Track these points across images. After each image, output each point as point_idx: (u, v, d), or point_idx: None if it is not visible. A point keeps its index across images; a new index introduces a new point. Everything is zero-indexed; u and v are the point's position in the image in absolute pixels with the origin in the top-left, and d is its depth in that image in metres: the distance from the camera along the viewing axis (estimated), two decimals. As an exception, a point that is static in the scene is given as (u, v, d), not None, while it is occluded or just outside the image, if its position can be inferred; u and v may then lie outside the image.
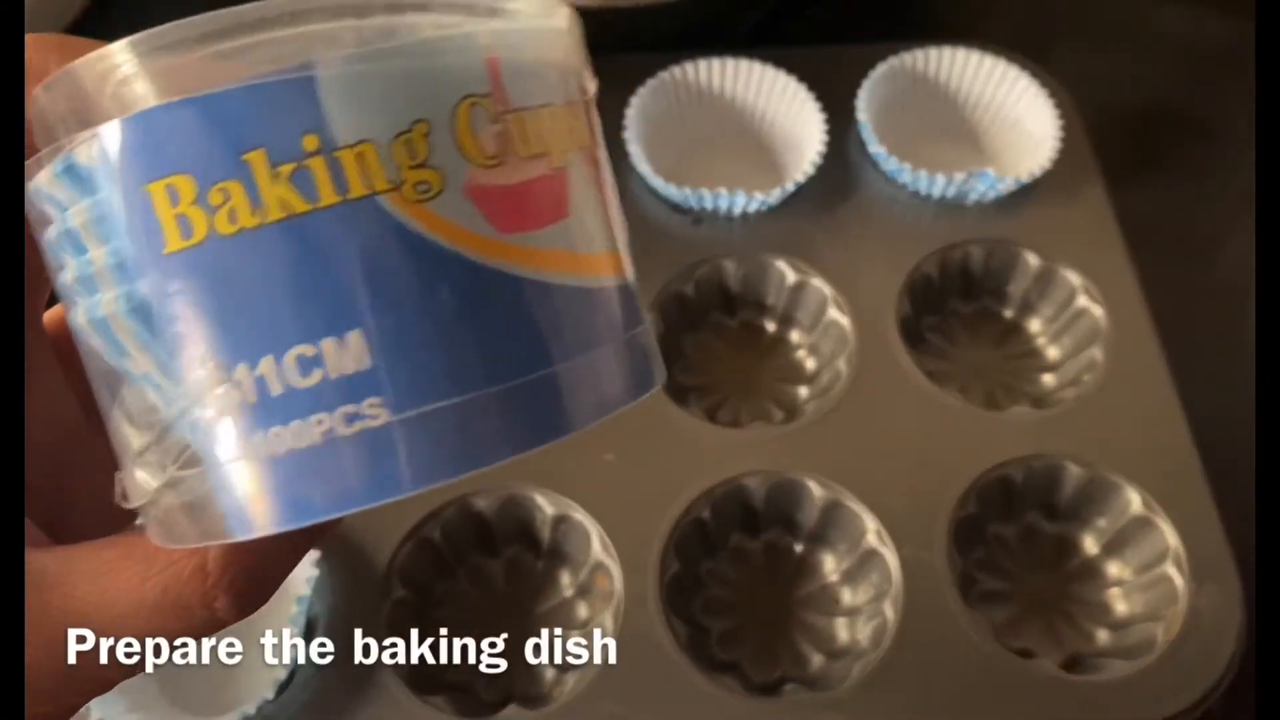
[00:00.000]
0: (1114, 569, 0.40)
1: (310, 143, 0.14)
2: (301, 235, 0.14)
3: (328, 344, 0.14)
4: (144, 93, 0.14)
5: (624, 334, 0.17)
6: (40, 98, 0.15)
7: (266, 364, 0.14)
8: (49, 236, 0.15)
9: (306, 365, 0.14)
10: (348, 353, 0.14)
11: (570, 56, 0.17)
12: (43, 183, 0.15)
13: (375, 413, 0.14)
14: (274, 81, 0.14)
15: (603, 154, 0.17)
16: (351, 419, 0.14)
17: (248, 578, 0.16)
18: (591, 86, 0.18)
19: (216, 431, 0.14)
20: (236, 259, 0.14)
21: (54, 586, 0.16)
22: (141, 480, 0.15)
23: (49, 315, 0.19)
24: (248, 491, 0.15)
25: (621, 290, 0.17)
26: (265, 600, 0.17)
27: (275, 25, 0.14)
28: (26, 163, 0.16)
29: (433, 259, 0.14)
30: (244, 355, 0.14)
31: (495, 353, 0.15)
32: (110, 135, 0.14)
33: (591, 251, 0.16)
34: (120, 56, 0.14)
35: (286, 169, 0.14)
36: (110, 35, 0.15)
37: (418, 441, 0.14)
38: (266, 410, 0.14)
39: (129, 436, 0.15)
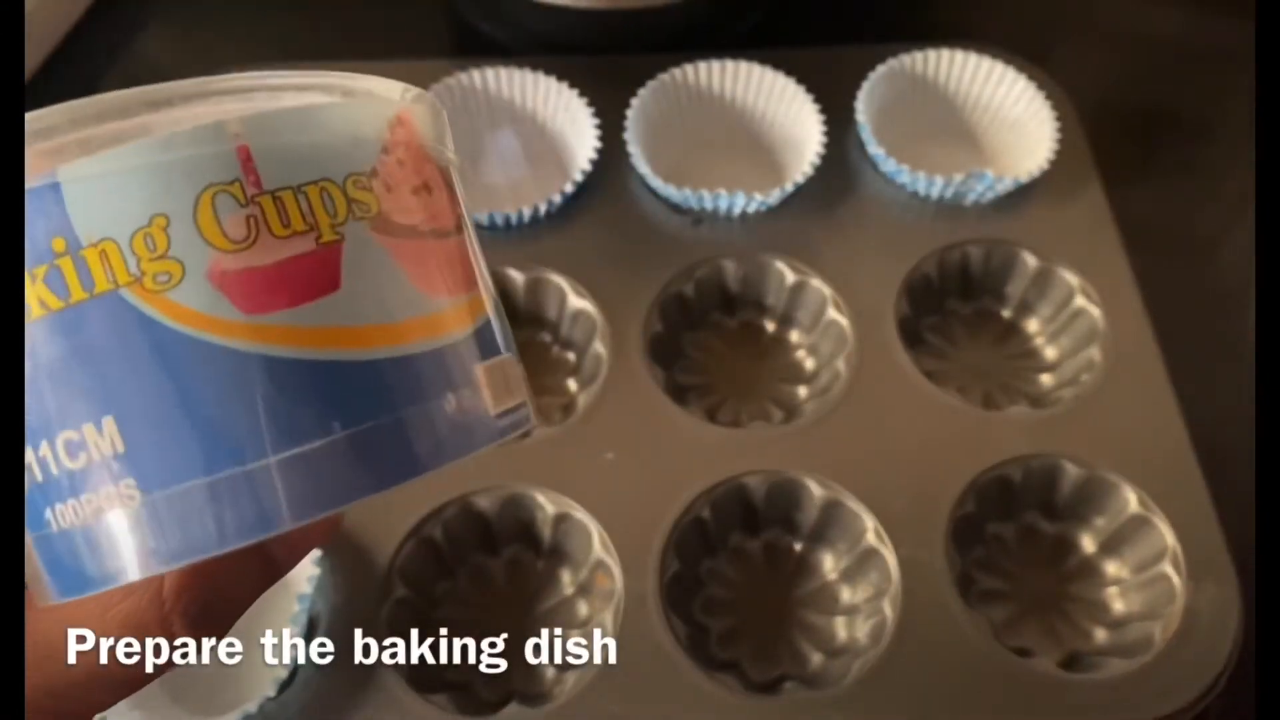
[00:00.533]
0: (1112, 568, 0.40)
1: (59, 245, 0.15)
2: (58, 330, 0.15)
3: (88, 429, 0.15)
4: None
5: (418, 403, 0.17)
6: None
7: (45, 448, 0.15)
8: None
9: (73, 449, 0.15)
10: (104, 438, 0.15)
11: (361, 128, 0.17)
12: None
13: (131, 492, 0.15)
14: (26, 191, 0.15)
15: (411, 213, 0.17)
16: (114, 498, 0.15)
17: (200, 604, 0.18)
18: (399, 155, 0.18)
19: (29, 508, 0.16)
20: None
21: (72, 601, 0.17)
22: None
23: None
24: (51, 561, 0.16)
25: (422, 358, 0.17)
26: (224, 625, 0.18)
27: (38, 137, 0.15)
28: None
29: (175, 345, 0.15)
30: (30, 440, 0.16)
31: (243, 433, 0.15)
32: None
33: (376, 322, 0.16)
34: None
35: (40, 271, 0.15)
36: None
37: (168, 520, 0.15)
38: (50, 489, 0.16)
39: None
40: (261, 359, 0.15)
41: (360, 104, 0.17)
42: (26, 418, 0.16)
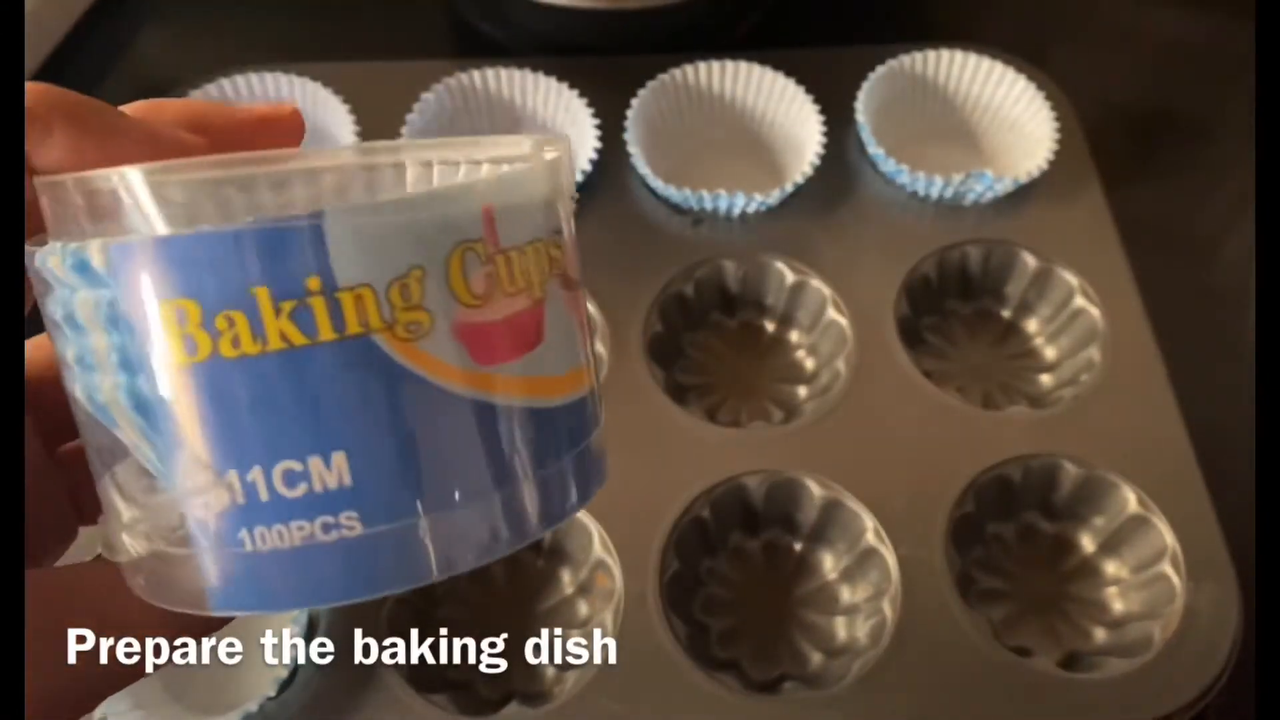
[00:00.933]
0: (1111, 568, 0.40)
1: (313, 284, 0.15)
2: (298, 365, 0.15)
3: (314, 462, 0.15)
4: (157, 217, 0.15)
5: (580, 444, 0.19)
6: (62, 183, 0.16)
7: (256, 473, 0.15)
8: (49, 304, 0.16)
9: (293, 478, 0.15)
10: (331, 471, 0.16)
11: (556, 186, 0.18)
12: (52, 265, 0.16)
13: (351, 524, 0.16)
14: (286, 226, 0.15)
15: (575, 268, 0.19)
16: (329, 528, 0.16)
17: None
18: (570, 205, 0.19)
19: (206, 523, 0.16)
20: (236, 379, 0.15)
21: (72, 597, 0.17)
22: (129, 544, 0.17)
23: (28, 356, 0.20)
24: (229, 577, 0.16)
25: (581, 402, 0.18)
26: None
27: (292, 171, 0.16)
28: (31, 239, 0.17)
29: (416, 391, 0.16)
30: (236, 463, 0.15)
31: (466, 472, 0.16)
32: (123, 251, 0.15)
33: (561, 372, 0.18)
34: (135, 178, 0.15)
35: (289, 305, 0.15)
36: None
37: (387, 551, 0.16)
38: (253, 512, 0.16)
39: (118, 505, 0.17)
40: (492, 406, 0.16)
41: (554, 164, 0.18)
42: (231, 442, 0.15)
